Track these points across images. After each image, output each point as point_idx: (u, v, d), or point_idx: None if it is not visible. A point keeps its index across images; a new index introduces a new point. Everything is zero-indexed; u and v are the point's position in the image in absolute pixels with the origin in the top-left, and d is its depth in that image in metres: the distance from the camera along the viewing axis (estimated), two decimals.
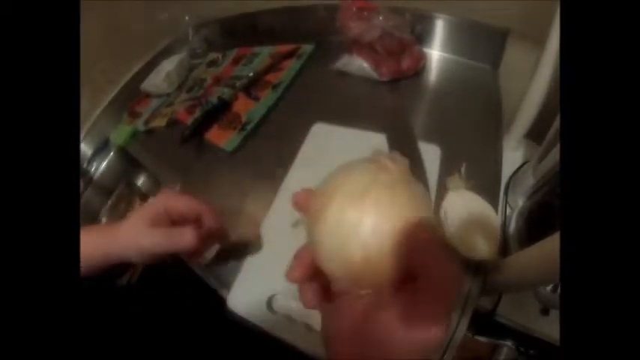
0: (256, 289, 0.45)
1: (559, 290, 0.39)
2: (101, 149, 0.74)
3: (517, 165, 0.54)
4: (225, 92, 0.73)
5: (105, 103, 0.78)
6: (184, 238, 0.38)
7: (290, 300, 0.43)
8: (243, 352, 0.50)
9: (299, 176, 0.55)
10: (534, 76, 0.46)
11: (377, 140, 0.56)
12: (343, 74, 0.70)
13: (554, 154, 0.42)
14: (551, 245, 0.30)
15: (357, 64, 0.68)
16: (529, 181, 0.48)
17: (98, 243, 0.40)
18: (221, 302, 0.46)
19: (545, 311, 0.45)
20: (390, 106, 0.66)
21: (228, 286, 0.46)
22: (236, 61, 0.83)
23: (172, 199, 0.41)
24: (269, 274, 0.46)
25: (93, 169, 0.73)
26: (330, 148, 0.57)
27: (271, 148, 0.62)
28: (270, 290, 0.44)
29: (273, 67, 0.76)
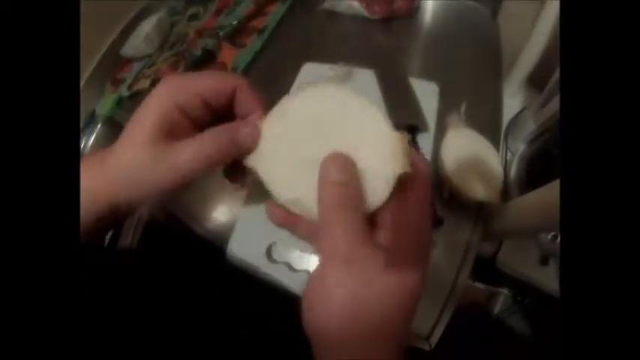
0: (255, 238, 0.44)
1: (559, 239, 0.39)
2: (88, 123, 0.72)
3: (516, 111, 0.52)
4: (209, 43, 0.69)
5: (86, 75, 0.73)
6: (249, 129, 0.25)
7: (290, 247, 0.42)
8: (244, 301, 0.50)
9: None
10: (536, 23, 0.44)
11: (369, 77, 0.53)
12: (332, 14, 0.66)
13: (556, 102, 0.40)
14: (551, 192, 0.30)
15: (346, 3, 0.64)
16: (529, 127, 0.46)
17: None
18: (220, 253, 0.44)
19: (544, 261, 0.45)
20: (381, 44, 0.63)
21: (226, 236, 0.45)
22: (218, 12, 0.77)
23: (188, 84, 0.25)
24: (267, 221, 0.45)
25: (82, 145, 0.70)
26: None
27: (260, 93, 0.60)
28: (270, 238, 0.43)
29: (258, 12, 0.71)
